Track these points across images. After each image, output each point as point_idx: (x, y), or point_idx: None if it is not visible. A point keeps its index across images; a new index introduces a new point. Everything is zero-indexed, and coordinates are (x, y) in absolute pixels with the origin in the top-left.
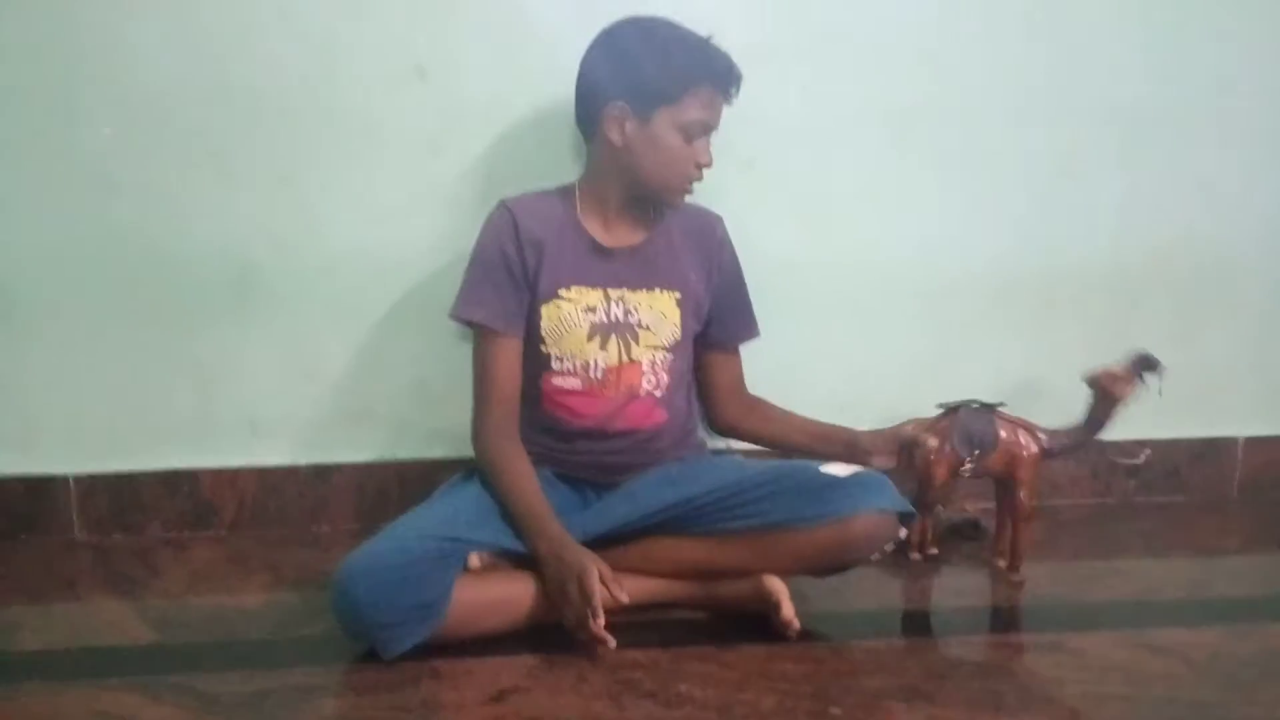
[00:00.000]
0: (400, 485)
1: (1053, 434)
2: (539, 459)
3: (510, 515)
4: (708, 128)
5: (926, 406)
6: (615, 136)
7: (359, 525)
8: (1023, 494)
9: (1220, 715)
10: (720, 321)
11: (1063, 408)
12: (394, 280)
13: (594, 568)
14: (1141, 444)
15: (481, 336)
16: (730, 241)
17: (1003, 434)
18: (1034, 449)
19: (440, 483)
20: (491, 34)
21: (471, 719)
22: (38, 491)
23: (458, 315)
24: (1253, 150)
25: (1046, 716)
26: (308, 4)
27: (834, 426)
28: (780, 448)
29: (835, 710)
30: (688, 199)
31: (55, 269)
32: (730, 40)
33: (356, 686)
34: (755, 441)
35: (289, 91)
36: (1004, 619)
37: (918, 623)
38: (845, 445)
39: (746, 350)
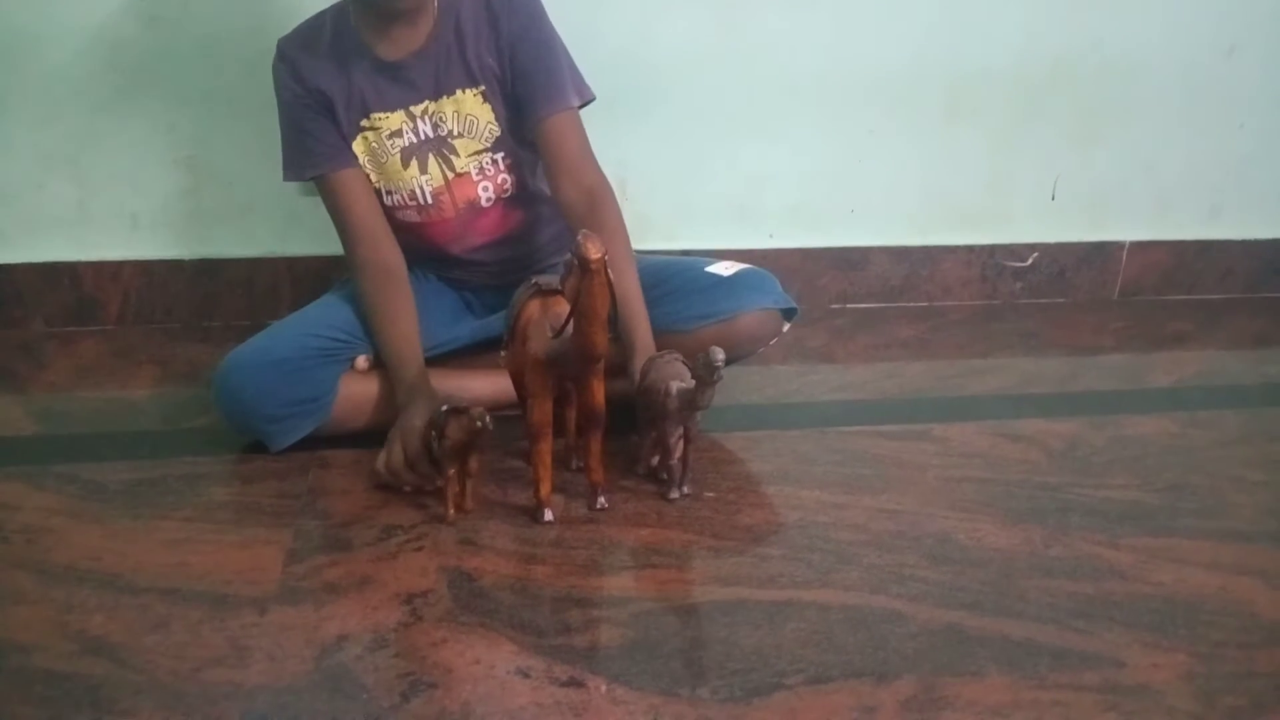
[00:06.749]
0: (292, 281)
1: None
2: (423, 268)
3: (381, 356)
4: None
5: (825, 210)
6: None
7: (250, 321)
8: None
9: (1066, 495)
10: (522, 95)
11: (961, 213)
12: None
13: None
14: (1031, 247)
15: (320, 184)
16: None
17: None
18: None
19: (334, 280)
20: None
21: (358, 504)
22: None
23: (290, 179)
24: None
25: (904, 496)
26: None
27: (637, 330)
28: None
29: (710, 494)
30: None
31: None
32: None
33: (244, 475)
34: None
35: None
36: (878, 411)
37: (796, 414)
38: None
39: (638, 146)
